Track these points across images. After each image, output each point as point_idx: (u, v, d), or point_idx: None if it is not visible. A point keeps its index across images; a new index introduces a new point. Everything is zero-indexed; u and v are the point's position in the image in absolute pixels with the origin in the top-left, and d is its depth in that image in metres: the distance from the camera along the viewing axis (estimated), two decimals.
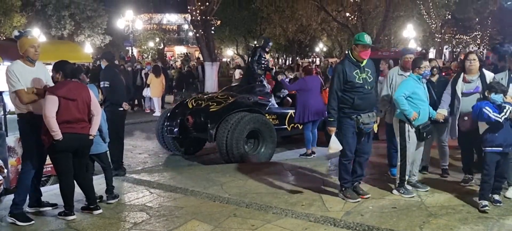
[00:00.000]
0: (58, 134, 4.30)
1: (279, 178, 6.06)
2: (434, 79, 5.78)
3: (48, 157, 4.75)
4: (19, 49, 4.53)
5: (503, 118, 4.51)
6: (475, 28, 32.17)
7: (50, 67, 5.31)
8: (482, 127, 4.73)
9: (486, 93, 4.78)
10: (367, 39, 4.89)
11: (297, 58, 36.10)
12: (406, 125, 5.07)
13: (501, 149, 4.59)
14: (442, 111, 5.32)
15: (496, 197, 4.76)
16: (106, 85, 6.30)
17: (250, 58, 9.19)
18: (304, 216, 4.60)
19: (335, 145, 4.94)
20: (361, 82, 4.89)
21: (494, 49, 6.55)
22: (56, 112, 4.31)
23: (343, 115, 4.95)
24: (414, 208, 4.75)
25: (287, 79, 9.51)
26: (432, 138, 5.75)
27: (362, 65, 4.93)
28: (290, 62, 36.00)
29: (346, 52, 5.22)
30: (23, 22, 23.72)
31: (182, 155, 8.45)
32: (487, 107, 4.56)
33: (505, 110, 4.53)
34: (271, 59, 34.35)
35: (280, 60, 41.74)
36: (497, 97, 4.61)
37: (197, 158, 8.42)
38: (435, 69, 5.83)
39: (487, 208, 4.53)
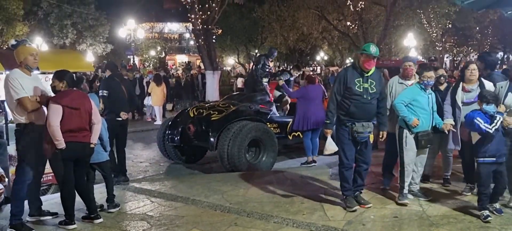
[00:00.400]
0: (61, 143, 4.32)
1: (280, 187, 6.05)
2: (442, 88, 5.77)
3: (48, 166, 4.76)
4: (16, 57, 4.55)
5: (493, 129, 4.48)
6: (476, 37, 32.23)
7: (49, 76, 5.33)
8: (475, 137, 4.71)
9: (477, 104, 4.76)
10: (372, 50, 4.86)
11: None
12: (405, 131, 5.09)
13: (494, 159, 4.54)
14: (449, 121, 5.29)
15: (497, 205, 4.72)
16: (104, 94, 6.44)
17: (254, 67, 9.23)
18: (305, 225, 4.58)
19: (330, 146, 4.99)
20: (361, 91, 4.87)
21: (480, 57, 6.56)
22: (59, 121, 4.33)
23: (339, 122, 4.99)
24: (416, 217, 4.73)
25: (293, 78, 9.55)
26: (436, 148, 5.74)
27: (366, 75, 4.91)
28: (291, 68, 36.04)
29: (353, 59, 5.25)
30: (25, 31, 23.85)
31: (183, 164, 8.44)
32: (478, 118, 4.53)
33: (495, 120, 4.50)
34: (273, 67, 34.39)
35: (280, 68, 41.79)
36: (489, 108, 4.56)
37: (198, 166, 8.41)
38: (442, 78, 5.82)
39: (489, 218, 4.50)
